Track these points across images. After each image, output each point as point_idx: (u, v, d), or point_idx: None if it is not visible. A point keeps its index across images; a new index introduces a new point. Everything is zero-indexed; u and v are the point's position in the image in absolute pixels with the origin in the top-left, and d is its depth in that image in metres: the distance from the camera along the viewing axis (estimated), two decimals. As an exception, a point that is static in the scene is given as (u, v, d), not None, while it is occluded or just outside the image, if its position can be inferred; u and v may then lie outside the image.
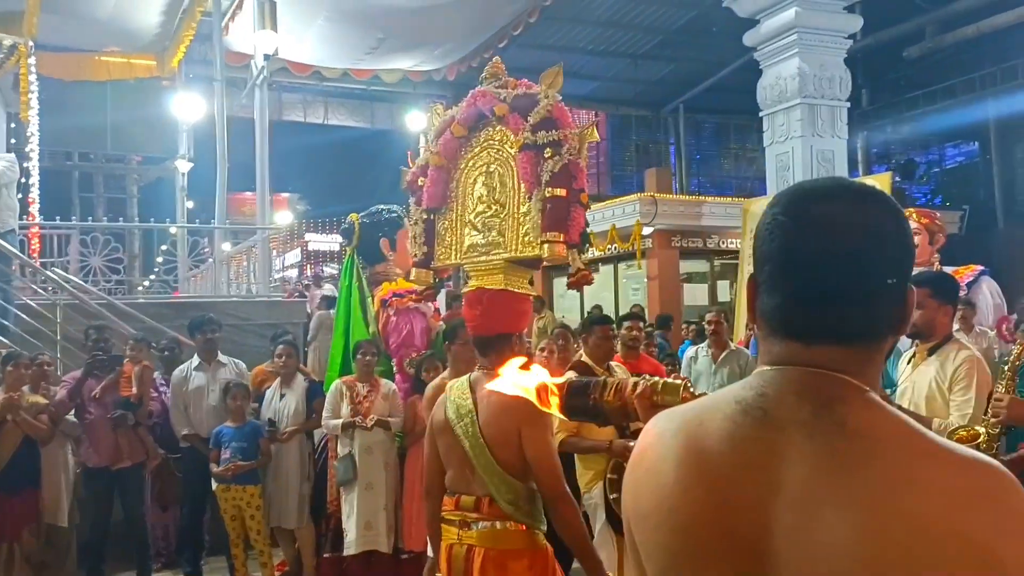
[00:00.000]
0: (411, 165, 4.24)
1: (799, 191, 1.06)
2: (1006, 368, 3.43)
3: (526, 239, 3.60)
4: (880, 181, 10.16)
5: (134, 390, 5.73)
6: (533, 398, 1.46)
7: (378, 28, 13.28)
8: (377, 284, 5.95)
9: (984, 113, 17.73)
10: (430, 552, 3.29)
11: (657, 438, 1.08)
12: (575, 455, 4.64)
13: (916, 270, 2.74)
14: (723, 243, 14.80)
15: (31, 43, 9.70)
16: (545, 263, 3.58)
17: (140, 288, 12.59)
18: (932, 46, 14.98)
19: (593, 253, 12.83)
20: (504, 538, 2.85)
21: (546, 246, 3.44)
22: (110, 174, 17.47)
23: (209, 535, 6.09)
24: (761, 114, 11.82)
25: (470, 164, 4.04)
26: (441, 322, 5.90)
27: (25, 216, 9.32)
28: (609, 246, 14.05)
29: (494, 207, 3.87)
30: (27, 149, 10.11)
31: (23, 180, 9.17)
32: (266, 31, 9.48)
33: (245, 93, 11.31)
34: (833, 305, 1.00)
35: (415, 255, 4.26)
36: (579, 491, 4.56)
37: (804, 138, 11.07)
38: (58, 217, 9.29)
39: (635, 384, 1.45)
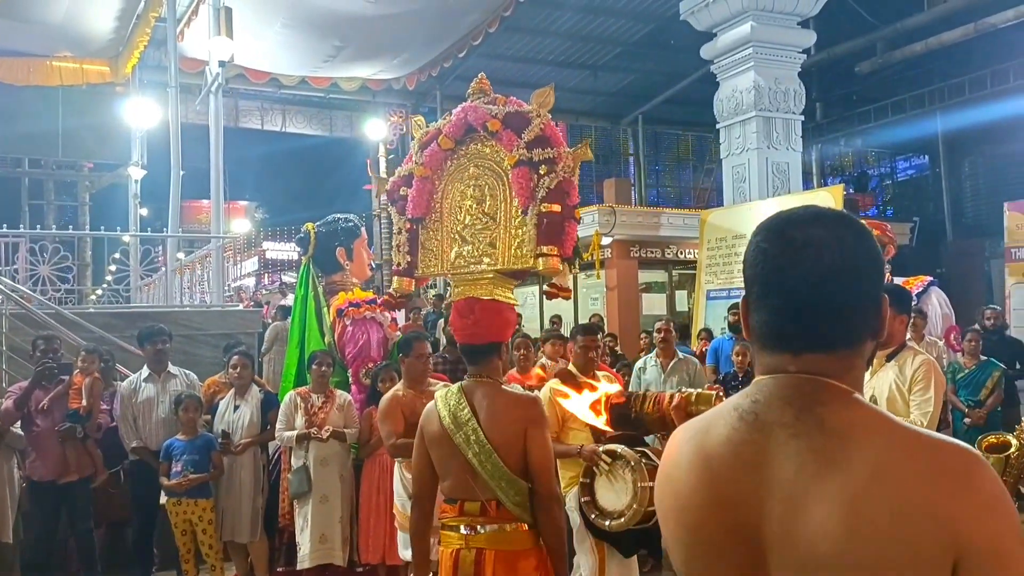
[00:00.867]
0: (370, 174, 4.31)
1: (778, 220, 1.17)
2: None
3: (519, 252, 3.68)
4: (833, 193, 10.34)
5: (83, 402, 5.60)
6: (592, 415, 1.68)
7: (336, 36, 13.22)
8: (333, 294, 5.90)
9: (933, 127, 18.20)
10: (406, 557, 3.23)
11: (676, 446, 1.22)
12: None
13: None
14: (681, 253, 14.96)
15: (-21, 47, 9.50)
16: (541, 275, 3.73)
17: (92, 297, 12.34)
18: (882, 62, 15.34)
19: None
20: (514, 539, 2.91)
21: (541, 259, 3.56)
22: (61, 181, 17.15)
23: (158, 549, 5.96)
24: (718, 126, 11.99)
25: (455, 176, 4.10)
26: (398, 332, 5.87)
27: (-28, 224, 9.08)
28: (569, 256, 14.07)
29: (483, 219, 3.96)
30: (-25, 155, 9.88)
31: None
32: (222, 37, 9.38)
33: (200, 99, 11.16)
34: (815, 318, 1.12)
35: (398, 263, 4.28)
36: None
37: (760, 150, 11.25)
38: (5, 225, 9.06)
39: (671, 396, 1.63)
